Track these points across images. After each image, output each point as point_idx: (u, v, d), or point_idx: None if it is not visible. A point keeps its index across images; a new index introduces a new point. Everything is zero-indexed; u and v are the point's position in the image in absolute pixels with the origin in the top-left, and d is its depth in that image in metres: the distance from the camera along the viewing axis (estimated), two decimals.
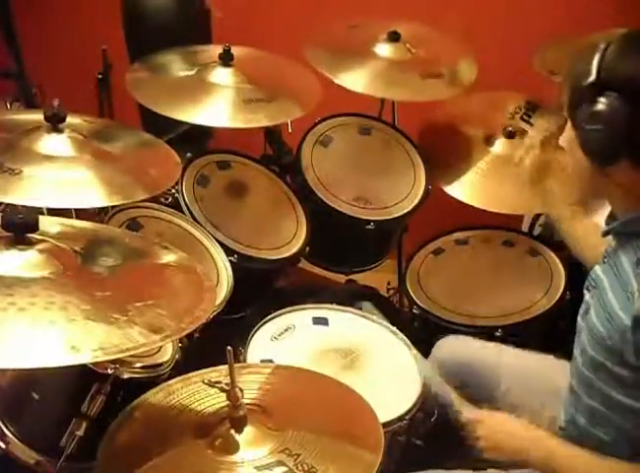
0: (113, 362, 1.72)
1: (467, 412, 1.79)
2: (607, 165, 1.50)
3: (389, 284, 2.87)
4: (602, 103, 1.45)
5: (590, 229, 1.95)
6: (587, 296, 1.65)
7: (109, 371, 1.72)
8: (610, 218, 1.62)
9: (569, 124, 1.57)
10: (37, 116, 1.95)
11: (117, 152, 2.00)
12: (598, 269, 1.63)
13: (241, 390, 1.50)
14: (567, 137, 1.58)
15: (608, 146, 1.48)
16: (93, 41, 2.68)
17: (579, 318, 1.67)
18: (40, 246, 1.54)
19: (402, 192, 2.63)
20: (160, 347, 1.90)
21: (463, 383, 1.98)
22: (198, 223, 2.31)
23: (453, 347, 2.11)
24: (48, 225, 1.65)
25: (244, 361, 1.98)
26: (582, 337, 1.63)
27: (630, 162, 1.48)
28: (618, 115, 1.44)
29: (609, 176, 1.52)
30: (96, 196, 1.83)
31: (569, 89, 1.53)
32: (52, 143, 1.91)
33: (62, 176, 1.84)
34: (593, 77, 1.46)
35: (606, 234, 1.62)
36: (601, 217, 1.85)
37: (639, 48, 1.48)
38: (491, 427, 1.71)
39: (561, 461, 1.59)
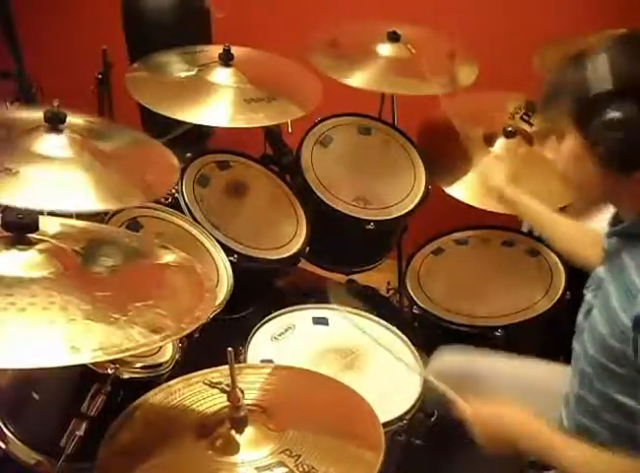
0: (113, 362, 1.71)
1: (461, 408, 1.77)
2: (627, 172, 1.49)
3: (389, 284, 2.88)
4: (622, 111, 1.43)
5: (578, 230, 1.95)
6: (588, 296, 1.65)
7: (109, 371, 1.72)
8: (616, 219, 1.61)
9: (556, 138, 1.55)
10: (37, 116, 1.94)
11: (116, 153, 2.00)
12: (600, 270, 1.62)
13: (242, 391, 1.50)
14: (563, 149, 1.55)
15: (630, 153, 1.46)
16: (93, 41, 2.68)
17: (580, 318, 1.67)
18: (40, 246, 1.54)
19: (402, 192, 2.63)
20: (160, 347, 1.90)
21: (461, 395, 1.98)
22: (198, 223, 2.31)
23: (451, 358, 2.08)
24: (48, 225, 1.65)
25: (244, 361, 1.98)
26: (583, 336, 1.63)
27: None
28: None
29: (628, 182, 1.50)
30: (93, 200, 1.81)
31: (575, 100, 1.49)
32: (51, 143, 1.90)
33: (60, 178, 1.83)
34: (608, 85, 1.44)
35: (611, 235, 1.61)
36: (595, 221, 1.86)
37: None
38: (484, 421, 1.67)
39: (559, 451, 1.56)
